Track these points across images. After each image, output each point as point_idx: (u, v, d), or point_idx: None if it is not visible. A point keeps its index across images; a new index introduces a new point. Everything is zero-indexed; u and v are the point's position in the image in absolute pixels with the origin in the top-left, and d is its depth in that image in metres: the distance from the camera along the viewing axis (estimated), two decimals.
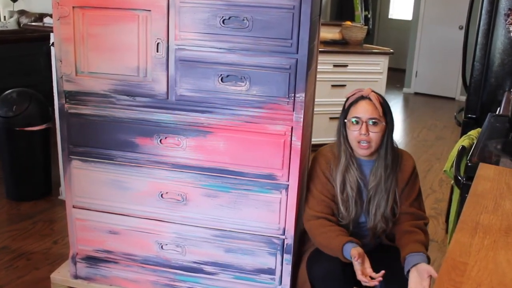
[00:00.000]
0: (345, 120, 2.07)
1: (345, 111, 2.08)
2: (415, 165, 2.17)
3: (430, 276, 1.86)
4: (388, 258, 2.07)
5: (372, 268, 1.92)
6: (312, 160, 2.23)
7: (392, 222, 2.12)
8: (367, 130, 2.01)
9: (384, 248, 2.17)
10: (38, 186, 3.76)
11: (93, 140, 2.28)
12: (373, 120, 2.01)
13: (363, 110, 2.02)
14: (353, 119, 2.03)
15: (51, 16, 2.69)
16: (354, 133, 2.04)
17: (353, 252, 1.93)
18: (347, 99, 2.09)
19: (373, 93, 2.05)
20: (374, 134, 2.02)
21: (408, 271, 1.93)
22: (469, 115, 3.29)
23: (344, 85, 4.95)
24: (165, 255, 2.37)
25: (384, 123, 2.04)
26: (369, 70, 5.08)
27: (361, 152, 2.07)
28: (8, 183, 3.71)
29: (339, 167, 2.10)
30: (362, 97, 2.04)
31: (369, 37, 6.27)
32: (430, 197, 4.15)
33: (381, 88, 5.01)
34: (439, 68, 8.49)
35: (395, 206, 2.12)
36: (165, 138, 2.21)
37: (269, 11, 1.98)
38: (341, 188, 2.10)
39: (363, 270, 1.91)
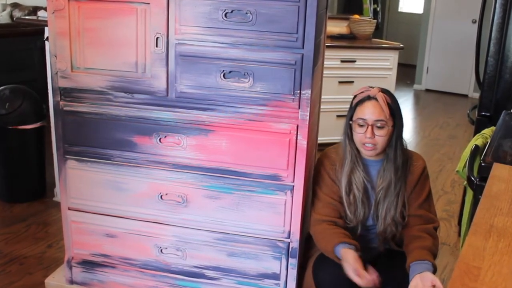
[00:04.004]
0: (350, 122, 2.08)
1: (351, 110, 2.09)
2: (425, 166, 2.18)
3: (434, 286, 1.86)
4: (395, 265, 2.08)
5: (377, 274, 1.94)
6: (317, 162, 2.24)
7: (401, 225, 2.12)
8: (373, 134, 2.02)
9: (391, 254, 2.17)
10: (31, 187, 3.76)
11: (89, 139, 2.29)
12: (379, 123, 2.02)
13: (369, 112, 2.03)
14: (359, 121, 2.04)
15: (45, 9, 2.69)
16: (359, 135, 2.05)
17: (343, 253, 1.97)
18: (354, 97, 2.10)
19: (380, 93, 2.04)
20: (380, 137, 2.03)
21: None
22: (483, 113, 3.28)
23: (352, 82, 4.95)
24: (165, 259, 2.37)
25: (391, 126, 2.04)
26: (378, 66, 5.08)
27: (366, 153, 2.08)
28: (1, 184, 3.72)
29: (344, 168, 2.11)
30: (369, 97, 2.05)
31: (378, 32, 6.27)
32: (442, 198, 4.15)
33: (390, 84, 5.01)
34: (451, 63, 8.47)
35: (403, 209, 2.12)
36: (165, 137, 2.21)
37: (273, 4, 1.98)
38: (346, 190, 2.10)
39: (357, 271, 1.92)
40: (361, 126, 2.04)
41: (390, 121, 2.04)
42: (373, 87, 2.08)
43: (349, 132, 2.11)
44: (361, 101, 2.06)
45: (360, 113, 2.05)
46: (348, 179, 2.10)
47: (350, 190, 2.11)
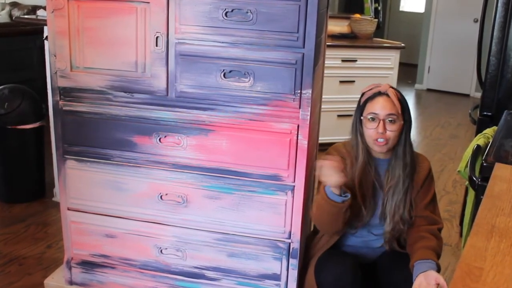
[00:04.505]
0: (361, 118, 2.08)
1: (361, 107, 2.08)
2: (431, 168, 2.19)
3: (438, 285, 1.86)
4: (398, 266, 2.08)
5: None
6: (326, 154, 2.22)
7: (409, 224, 2.12)
8: (384, 129, 2.01)
9: (394, 255, 2.17)
10: (31, 187, 3.77)
11: (89, 139, 2.29)
12: (391, 118, 2.01)
13: (380, 107, 2.02)
14: (370, 116, 2.04)
15: (44, 8, 2.69)
16: (370, 130, 2.04)
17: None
18: (363, 94, 2.09)
19: (391, 89, 2.06)
20: (392, 132, 2.03)
21: None
22: (485, 113, 3.28)
23: (353, 81, 4.95)
24: (165, 259, 2.37)
25: (401, 121, 2.04)
26: (379, 65, 5.08)
27: (378, 149, 2.07)
28: (0, 184, 3.72)
29: (356, 167, 2.09)
30: (379, 93, 2.05)
31: (379, 31, 6.25)
32: (443, 198, 4.15)
33: (391, 84, 4.99)
34: (453, 63, 8.47)
35: (410, 208, 2.13)
36: (165, 136, 2.21)
37: (274, 3, 1.98)
38: (358, 188, 2.10)
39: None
40: (372, 121, 2.04)
41: (401, 116, 2.04)
42: (381, 84, 2.09)
43: (360, 129, 2.10)
44: (372, 97, 2.06)
45: (371, 108, 2.04)
46: (359, 178, 2.10)
47: (360, 189, 2.10)
